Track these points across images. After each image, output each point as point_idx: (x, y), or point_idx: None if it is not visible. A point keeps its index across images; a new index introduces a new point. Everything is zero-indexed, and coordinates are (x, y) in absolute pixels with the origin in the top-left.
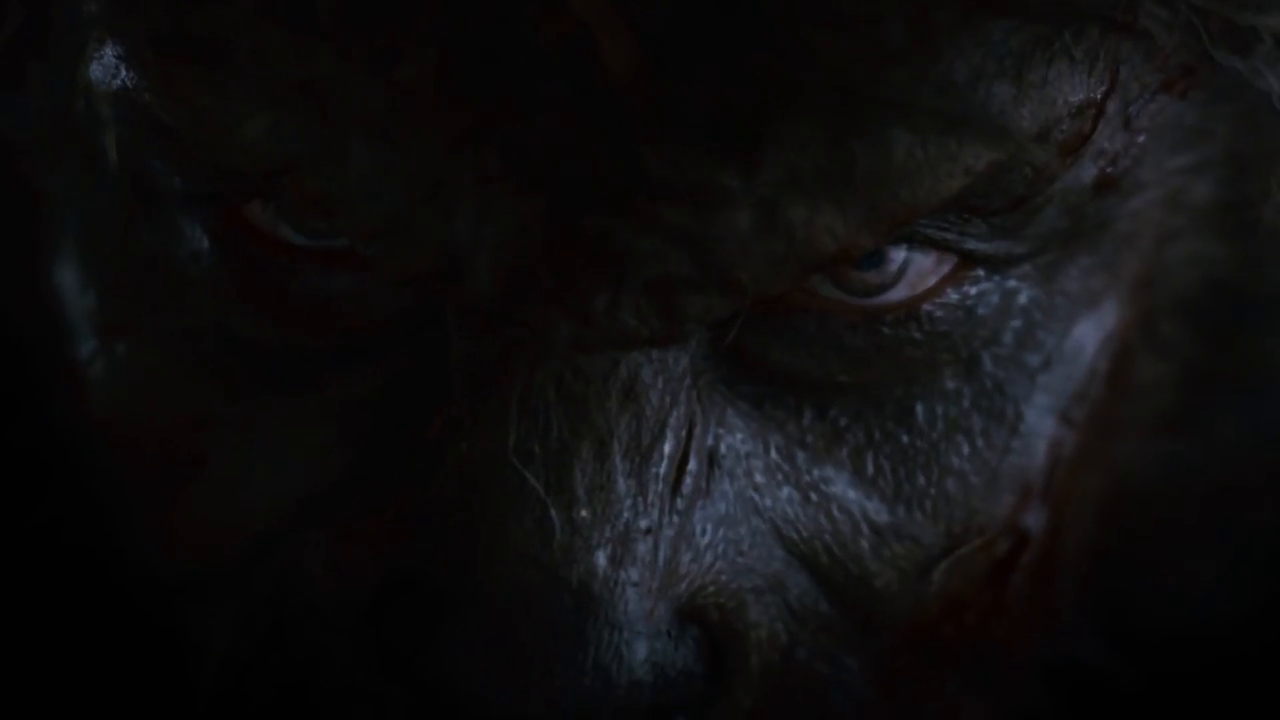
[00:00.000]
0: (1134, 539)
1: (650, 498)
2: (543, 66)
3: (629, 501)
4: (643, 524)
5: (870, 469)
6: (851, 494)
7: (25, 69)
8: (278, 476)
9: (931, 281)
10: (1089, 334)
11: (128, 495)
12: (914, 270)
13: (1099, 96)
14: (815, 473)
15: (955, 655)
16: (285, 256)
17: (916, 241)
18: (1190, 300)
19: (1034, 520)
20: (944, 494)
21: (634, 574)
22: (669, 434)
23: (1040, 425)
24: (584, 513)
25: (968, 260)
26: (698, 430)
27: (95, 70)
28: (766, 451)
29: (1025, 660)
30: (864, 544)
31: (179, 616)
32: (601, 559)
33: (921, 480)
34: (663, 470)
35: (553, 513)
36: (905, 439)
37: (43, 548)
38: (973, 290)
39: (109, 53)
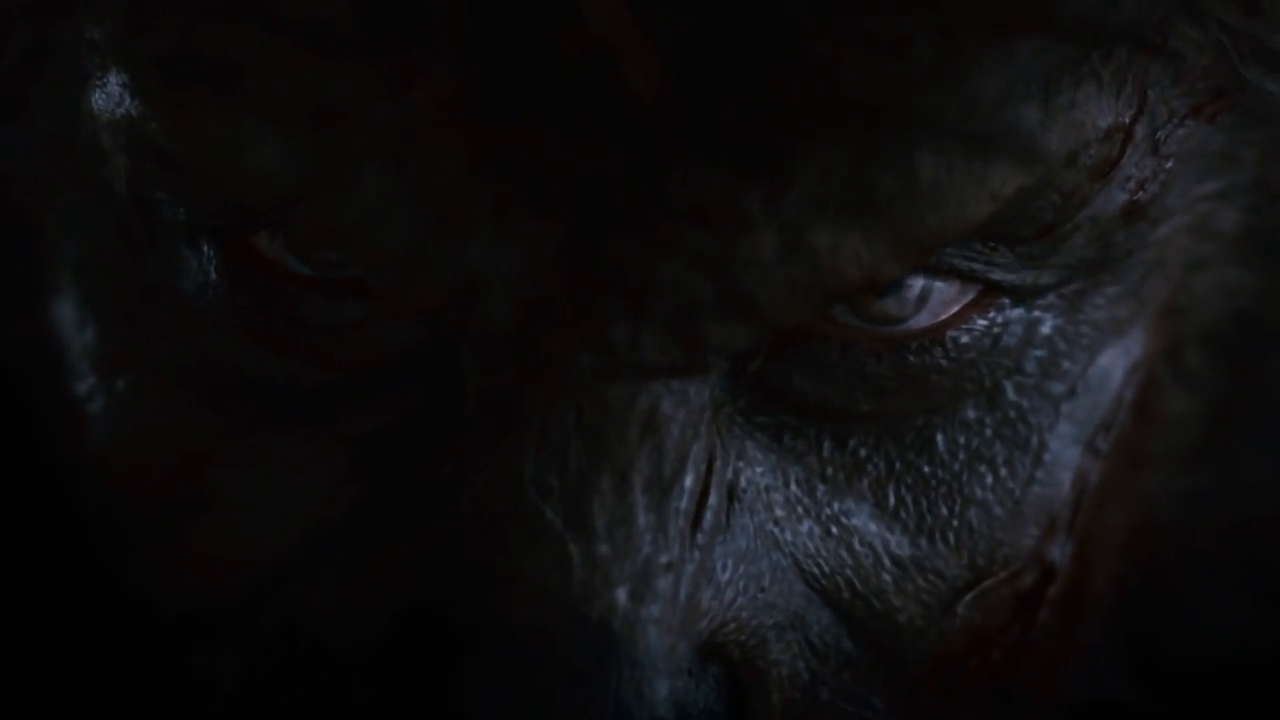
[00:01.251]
0: (1161, 574)
1: (671, 533)
2: (563, 87)
3: (649, 536)
4: (663, 559)
5: (892, 500)
6: (873, 526)
7: (27, 97)
8: (285, 513)
9: (955, 309)
10: (1115, 362)
11: (131, 532)
12: (937, 299)
13: (1127, 120)
14: (836, 505)
15: (982, 694)
16: (295, 287)
17: (942, 272)
18: (1217, 331)
19: (1059, 553)
20: (967, 525)
21: (655, 611)
22: (690, 467)
23: (1065, 455)
24: (604, 548)
25: (992, 289)
26: (718, 464)
27: (99, 99)
28: (786, 484)
29: (1054, 700)
30: (886, 578)
31: (184, 656)
32: (622, 595)
33: (944, 511)
34: (683, 505)
35: (571, 547)
36: (927, 469)
37: (44, 585)
38: (998, 317)
39: (113, 80)
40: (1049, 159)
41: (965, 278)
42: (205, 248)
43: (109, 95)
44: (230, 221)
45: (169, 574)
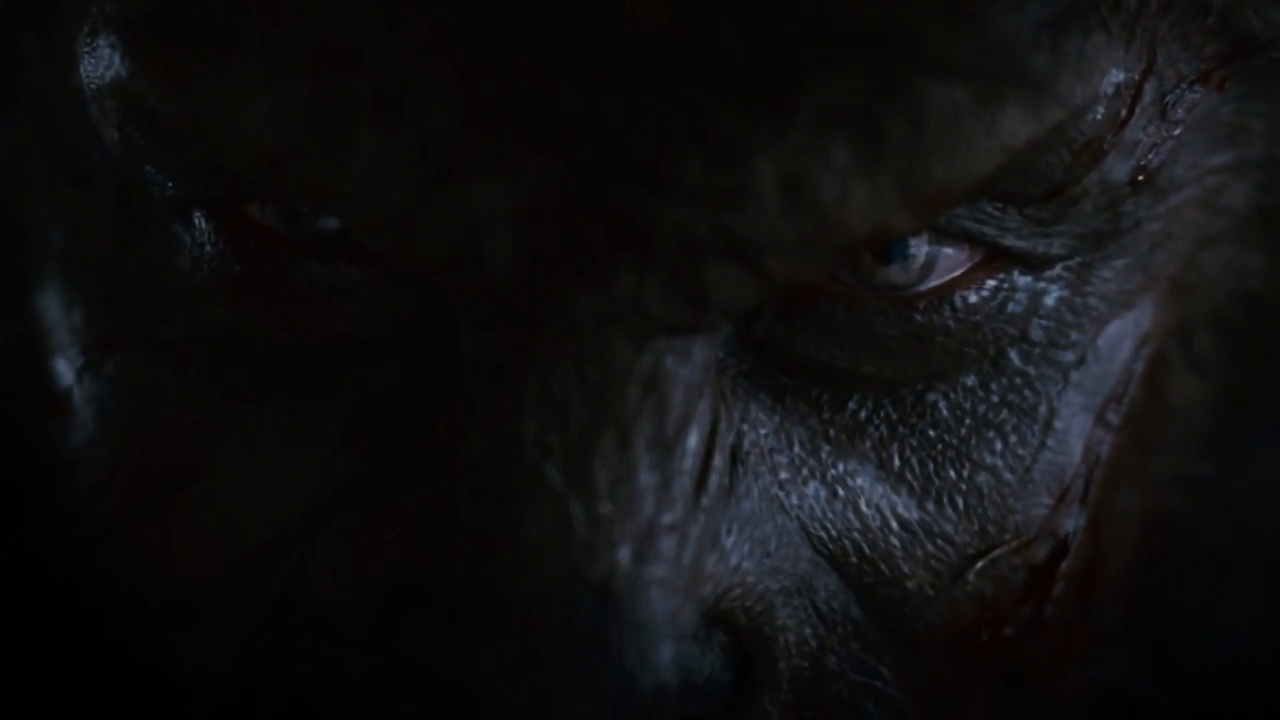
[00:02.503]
0: (1175, 572)
1: (674, 493)
2: (565, 21)
3: (652, 496)
4: (666, 519)
5: (896, 462)
6: (879, 489)
7: (10, 80)
8: (280, 484)
9: (963, 270)
10: (1125, 332)
11: (116, 518)
12: (944, 265)
13: (1136, 77)
14: (841, 467)
15: (993, 673)
16: (288, 252)
17: (951, 235)
18: (1227, 314)
19: (1072, 525)
20: (976, 490)
21: (659, 571)
22: (693, 428)
23: (1075, 424)
24: (606, 507)
25: (1001, 256)
26: (722, 425)
27: (88, 66)
28: (790, 446)
29: (1065, 689)
30: (894, 542)
31: (175, 642)
32: (624, 556)
33: (951, 474)
34: (687, 466)
35: (573, 507)
36: (931, 433)
37: (27, 584)
38: (1005, 281)
39: (103, 44)
40: (1058, 110)
41: (974, 241)
42: (197, 220)
43: (98, 61)
44: (221, 191)
45: (158, 556)
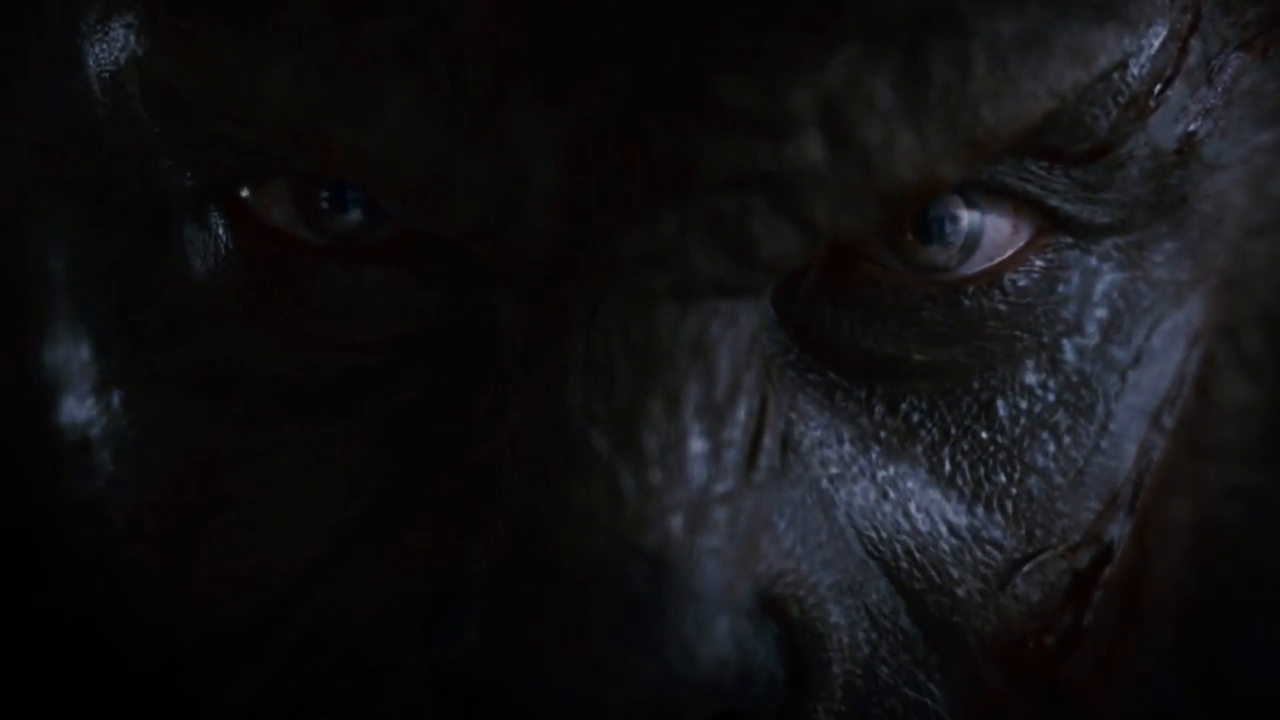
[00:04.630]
0: (1226, 588)
1: (726, 463)
2: None
3: (703, 465)
4: (719, 489)
5: (948, 467)
6: (931, 493)
7: (10, 95)
8: (304, 512)
9: (1011, 252)
10: (1177, 331)
11: (147, 558)
12: (989, 241)
13: (1183, 31)
14: (891, 469)
15: (1037, 684)
16: (310, 257)
17: (993, 192)
18: (1276, 314)
19: (1118, 532)
20: (1026, 493)
21: (712, 541)
22: (742, 398)
23: (1131, 427)
24: (656, 474)
25: (1049, 225)
26: (771, 405)
27: (99, 54)
28: (840, 443)
29: (1110, 711)
30: (944, 547)
31: (201, 683)
32: (677, 524)
33: (1002, 478)
34: (737, 437)
35: (623, 475)
36: (984, 435)
37: (44, 634)
38: (1056, 259)
39: (116, 25)
40: (1103, 57)
41: (1020, 200)
42: (215, 224)
43: (111, 45)
44: (242, 173)
45: (188, 594)
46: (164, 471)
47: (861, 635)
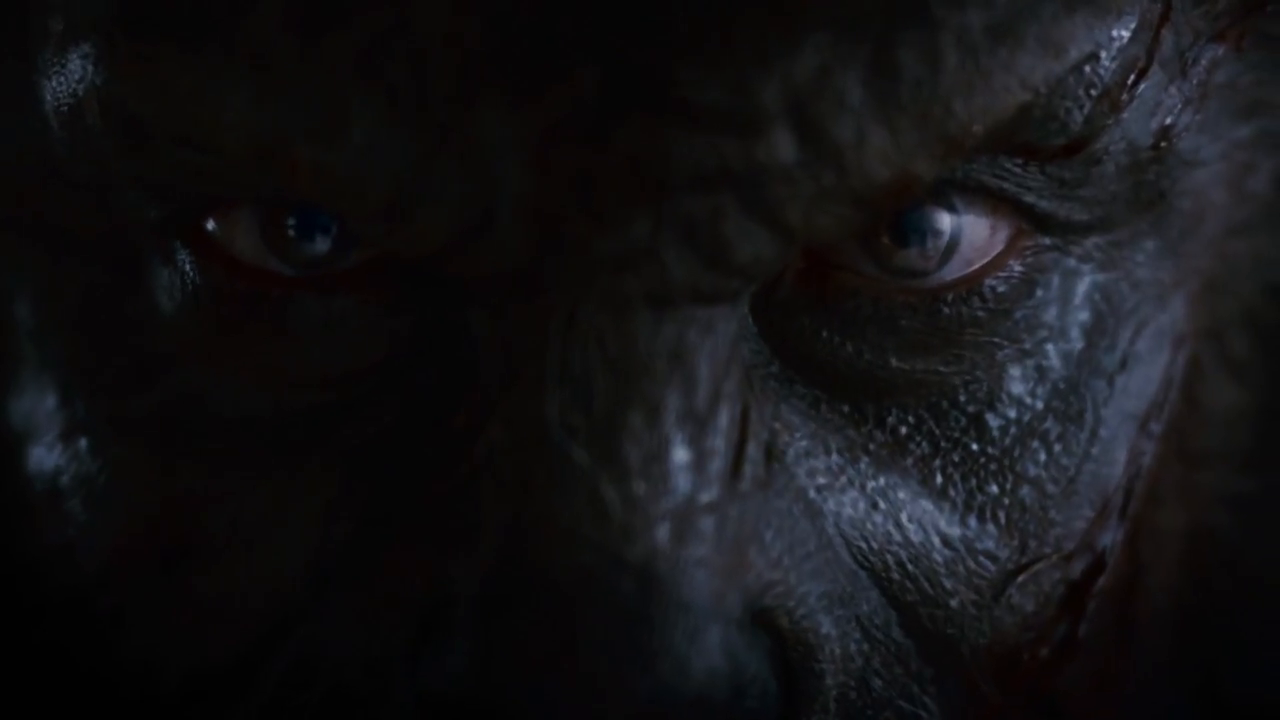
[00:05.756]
0: (1222, 597)
1: (710, 472)
2: None
3: (687, 475)
4: (704, 498)
5: (939, 479)
6: (921, 504)
7: None
8: (279, 551)
9: (990, 257)
10: (1162, 334)
11: (115, 605)
12: (967, 244)
13: (1154, 21)
14: (881, 480)
15: (1034, 698)
16: (279, 289)
17: (970, 190)
18: (1260, 313)
19: (1110, 540)
20: (1019, 503)
21: (700, 551)
22: (723, 406)
23: (1120, 433)
24: (640, 485)
25: (1026, 225)
26: (753, 414)
27: (56, 87)
28: (827, 453)
29: None
30: (937, 558)
31: None
32: (663, 535)
33: (994, 489)
34: (720, 446)
35: (605, 487)
36: (975, 446)
37: (34, 682)
38: (1035, 262)
39: (73, 56)
40: (1074, 49)
41: (996, 199)
42: (181, 260)
43: (69, 77)
44: (207, 203)
45: (166, 638)
46: (136, 516)
47: (854, 647)
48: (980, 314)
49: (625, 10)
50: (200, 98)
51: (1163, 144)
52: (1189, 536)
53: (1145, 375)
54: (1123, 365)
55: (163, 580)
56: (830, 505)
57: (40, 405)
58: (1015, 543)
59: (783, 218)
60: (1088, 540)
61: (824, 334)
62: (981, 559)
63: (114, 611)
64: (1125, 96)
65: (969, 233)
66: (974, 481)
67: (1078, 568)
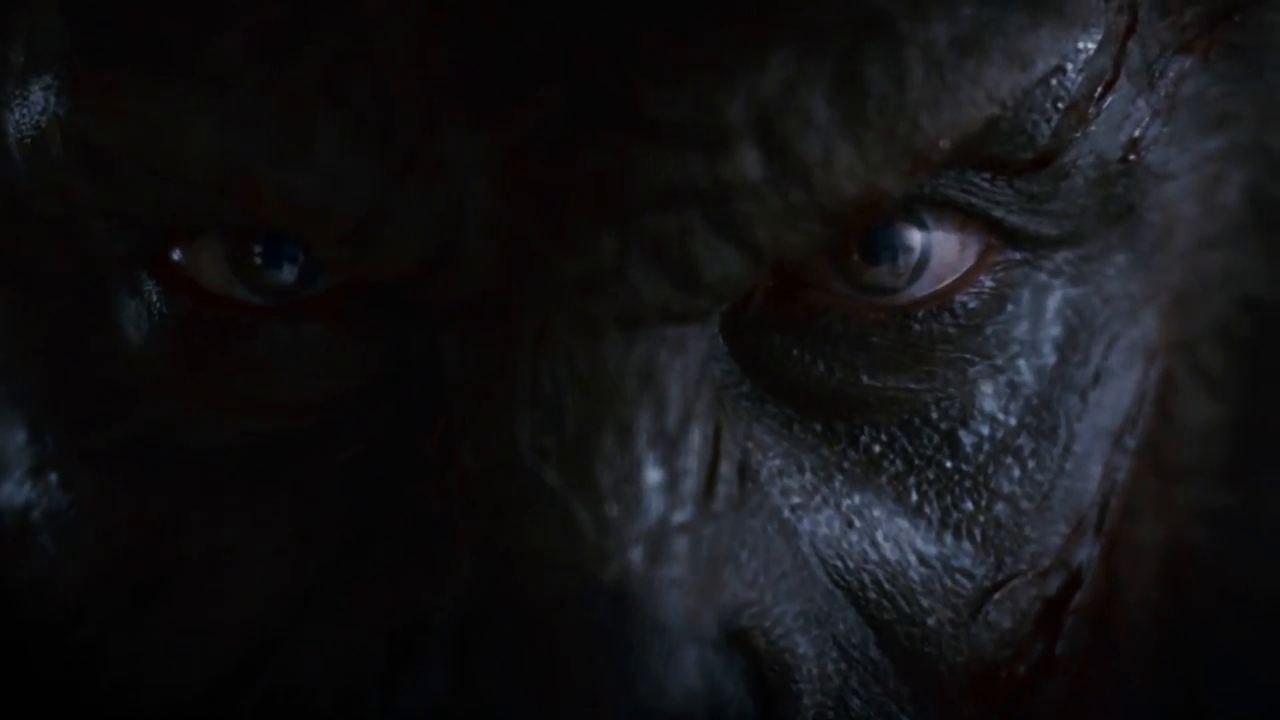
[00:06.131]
0: (1200, 613)
1: (683, 492)
2: None
3: (660, 496)
4: (677, 519)
5: (914, 496)
6: (896, 523)
7: None
8: (252, 581)
9: (960, 271)
10: (1135, 348)
11: (88, 638)
12: (937, 260)
13: (1120, 32)
14: (855, 498)
15: (1013, 717)
16: (247, 317)
17: (937, 205)
18: (1231, 327)
19: (1086, 556)
20: (994, 520)
21: (674, 571)
22: (695, 426)
23: (1094, 448)
24: (612, 507)
25: (996, 239)
26: (726, 434)
27: (18, 119)
28: (801, 472)
29: None
30: (913, 576)
31: None
32: (636, 556)
33: (969, 506)
34: (693, 466)
35: (577, 510)
36: (949, 464)
37: (15, 714)
38: (1005, 277)
39: (34, 88)
40: (1040, 62)
41: (966, 215)
42: (147, 291)
43: (30, 109)
44: (173, 233)
45: (139, 671)
46: (108, 549)
47: (831, 666)
48: (951, 330)
49: (590, 29)
50: (163, 125)
51: (1131, 157)
52: (1166, 551)
53: (1118, 390)
54: (1095, 380)
55: (136, 612)
56: (805, 524)
57: (9, 440)
58: (991, 560)
59: (750, 236)
60: (1064, 557)
61: (795, 352)
62: (958, 576)
63: (88, 643)
64: (1092, 109)
65: (939, 249)
66: (949, 499)
67: (1054, 584)
